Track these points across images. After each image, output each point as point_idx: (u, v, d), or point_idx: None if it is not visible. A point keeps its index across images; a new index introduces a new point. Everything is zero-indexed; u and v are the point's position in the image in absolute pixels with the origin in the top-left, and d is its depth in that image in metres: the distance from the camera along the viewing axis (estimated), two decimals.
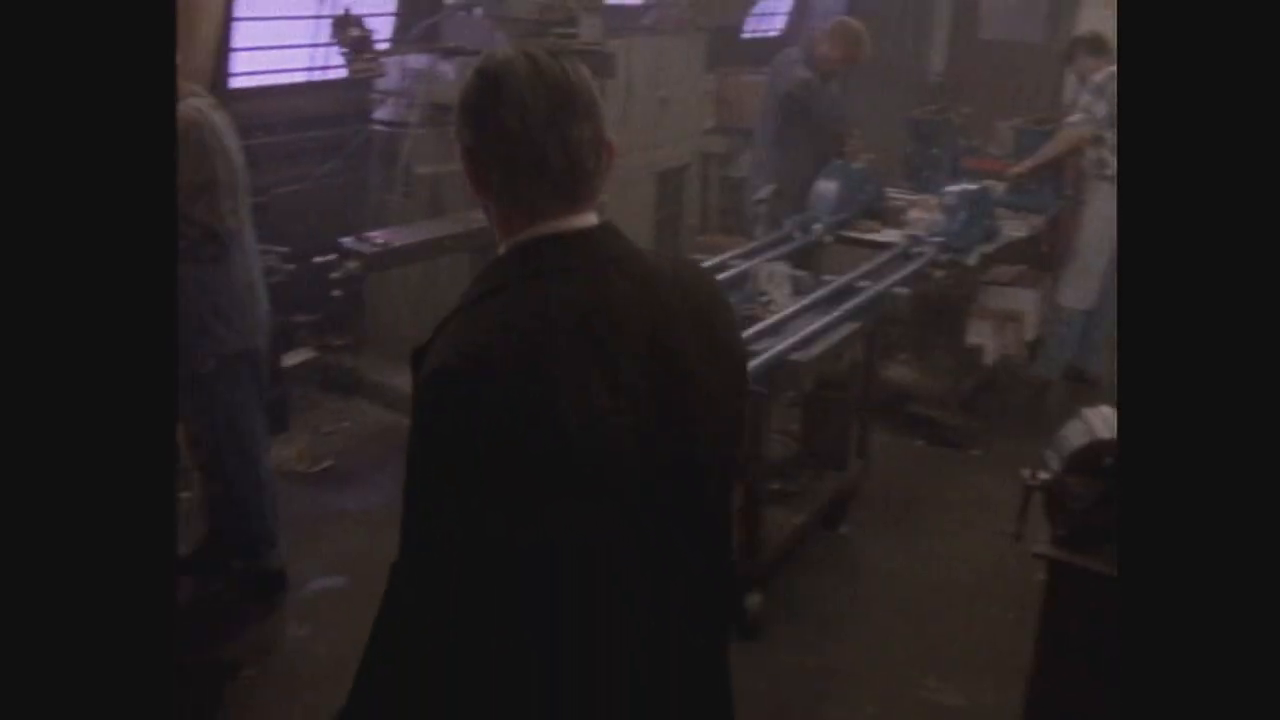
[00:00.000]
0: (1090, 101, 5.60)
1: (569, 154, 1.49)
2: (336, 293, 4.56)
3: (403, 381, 5.61)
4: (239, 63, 5.46)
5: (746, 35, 9.65)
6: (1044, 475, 2.56)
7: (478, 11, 5.15)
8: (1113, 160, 5.54)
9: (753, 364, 3.32)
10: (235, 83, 5.46)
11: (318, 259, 4.47)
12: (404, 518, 1.56)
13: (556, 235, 1.54)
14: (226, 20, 5.18)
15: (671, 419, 1.53)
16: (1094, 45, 5.82)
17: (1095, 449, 2.48)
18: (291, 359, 5.35)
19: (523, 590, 1.47)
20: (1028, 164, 5.83)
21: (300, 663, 3.61)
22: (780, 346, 3.48)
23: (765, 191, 5.38)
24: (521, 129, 1.46)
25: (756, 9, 9.69)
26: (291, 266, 4.22)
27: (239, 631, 3.73)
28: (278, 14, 5.64)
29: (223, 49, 5.18)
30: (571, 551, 1.47)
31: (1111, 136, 5.51)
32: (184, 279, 3.40)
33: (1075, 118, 5.67)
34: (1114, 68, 5.53)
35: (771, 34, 10.25)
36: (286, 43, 5.74)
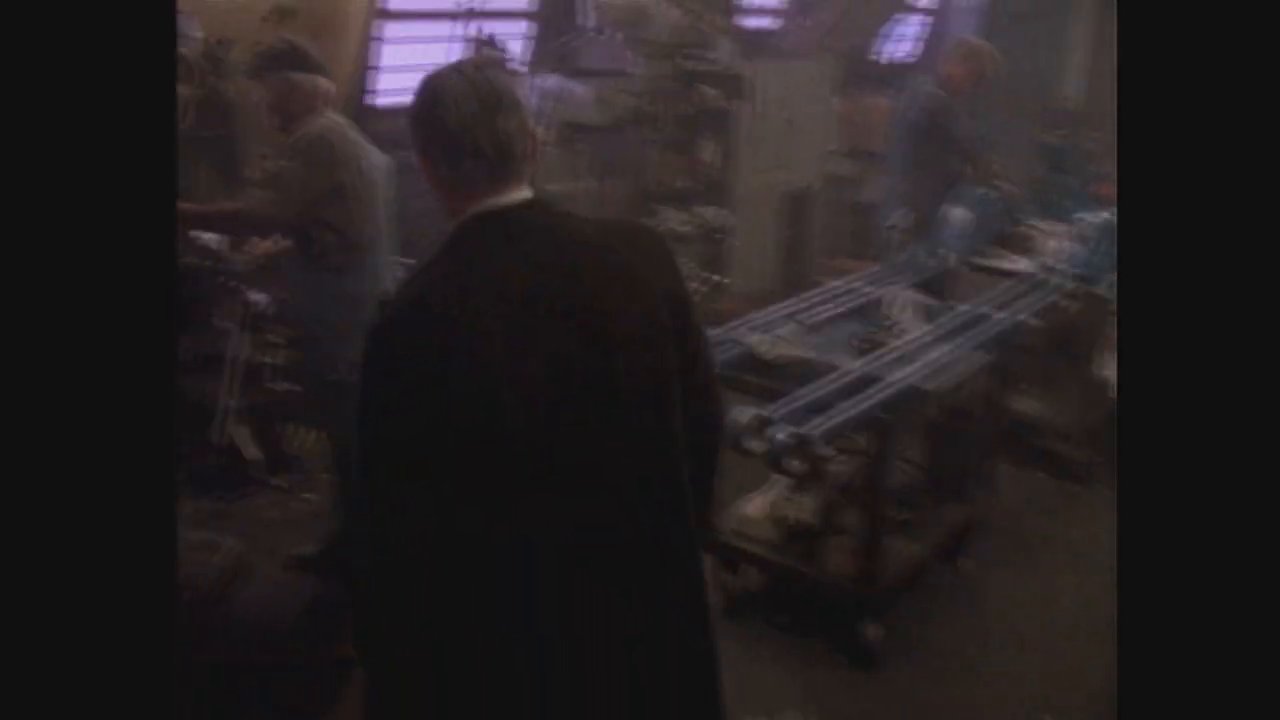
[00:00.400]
0: None
1: (498, 142, 1.76)
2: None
3: None
4: (381, 81, 5.64)
5: (876, 58, 9.59)
6: None
7: (612, 34, 5.22)
8: None
9: (882, 392, 3.31)
10: (377, 101, 5.64)
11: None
12: (356, 520, 1.74)
13: (491, 211, 1.79)
14: (368, 41, 5.36)
15: (594, 374, 1.75)
16: None
17: None
18: None
19: (467, 576, 1.69)
20: None
21: None
22: (908, 374, 3.45)
23: (898, 217, 5.34)
24: (457, 124, 1.74)
25: (887, 32, 9.64)
26: None
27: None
28: (417, 36, 5.82)
29: (364, 68, 5.35)
30: (512, 533, 1.69)
31: None
32: (321, 286, 3.55)
33: None
34: None
35: (901, 57, 10.18)
36: (425, 63, 5.91)
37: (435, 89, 1.79)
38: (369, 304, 3.67)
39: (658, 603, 1.86)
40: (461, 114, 1.74)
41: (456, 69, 1.82)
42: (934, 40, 10.02)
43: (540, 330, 1.70)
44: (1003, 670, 3.75)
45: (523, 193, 1.83)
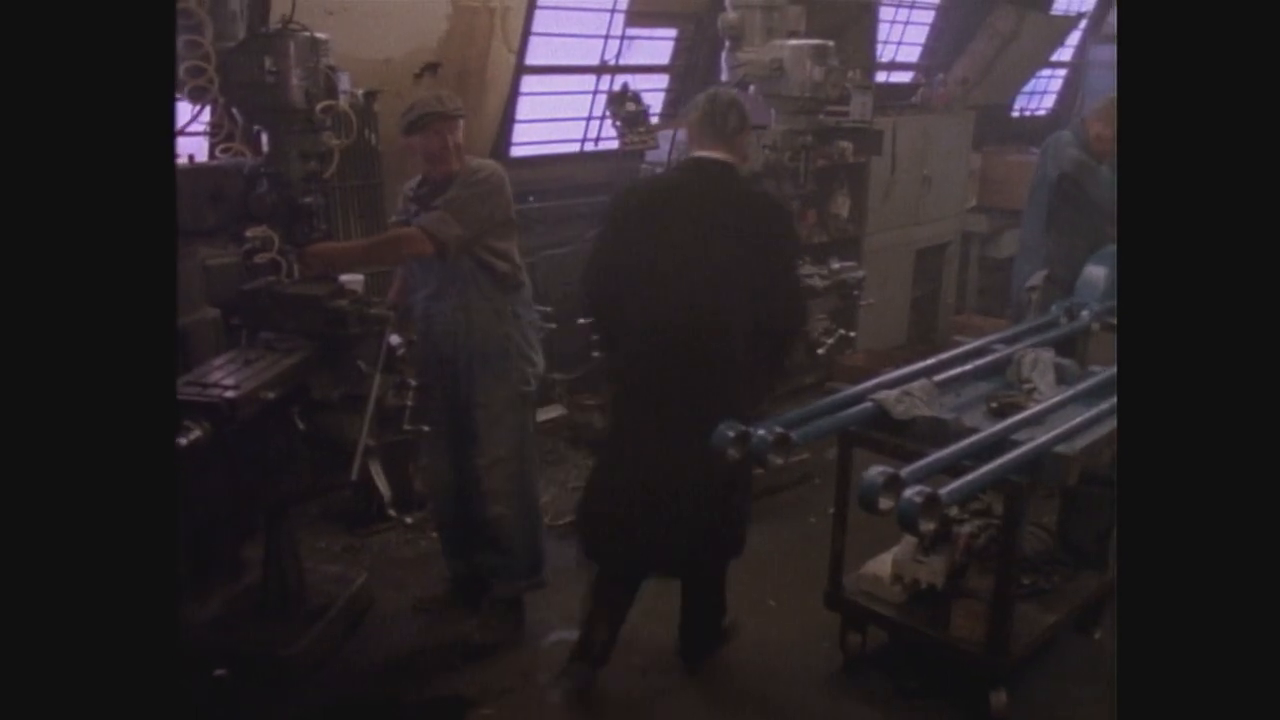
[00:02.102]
0: None
1: (721, 123, 3.54)
2: (595, 354, 4.73)
3: None
4: (520, 133, 5.80)
5: (1015, 114, 9.47)
6: None
7: (751, 88, 5.27)
8: None
9: (1014, 453, 3.25)
10: (517, 151, 5.80)
11: (579, 320, 4.65)
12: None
13: (694, 157, 3.59)
14: (513, 95, 5.51)
15: (689, 245, 3.47)
16: None
17: None
18: (545, 414, 5.57)
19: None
20: None
21: (534, 709, 3.73)
22: (1043, 438, 3.37)
23: (1037, 278, 5.26)
24: (709, 107, 3.59)
25: (1027, 88, 9.51)
26: (553, 325, 4.42)
27: (480, 671, 3.88)
28: (560, 89, 5.97)
29: (507, 120, 5.51)
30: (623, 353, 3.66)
31: None
32: (504, 307, 3.88)
33: None
34: None
35: (1041, 113, 10.02)
36: (565, 115, 6.06)
37: (730, 97, 3.69)
38: (538, 330, 4.07)
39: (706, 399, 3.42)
40: (715, 105, 3.57)
41: (726, 87, 4.07)
42: (1072, 95, 9.86)
43: (671, 212, 3.52)
44: None
45: (720, 154, 3.54)
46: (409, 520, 4.85)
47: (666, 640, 4.03)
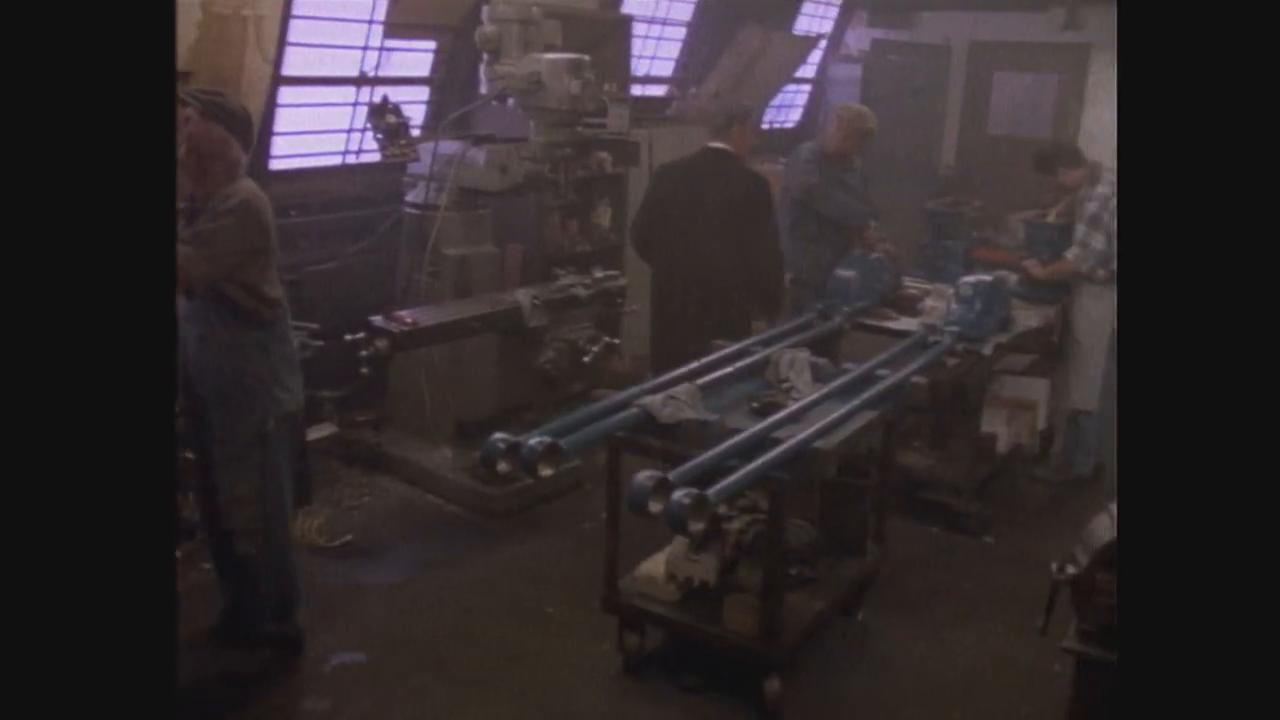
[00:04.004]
0: (1086, 234, 5.67)
1: (725, 122, 5.42)
2: (364, 370, 4.66)
3: (425, 458, 5.69)
4: (280, 146, 5.64)
5: (765, 126, 9.86)
6: (1071, 570, 2.58)
7: (510, 102, 5.31)
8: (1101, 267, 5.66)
9: (776, 451, 3.40)
10: (276, 164, 5.64)
11: (347, 336, 4.57)
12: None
13: (707, 146, 5.39)
14: (271, 106, 5.36)
15: (709, 209, 5.21)
16: (1071, 157, 5.90)
17: None
18: (316, 433, 5.43)
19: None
20: (1036, 271, 5.91)
21: None
22: (802, 434, 3.54)
23: (789, 283, 5.51)
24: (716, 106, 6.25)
25: (775, 102, 9.92)
26: (320, 343, 4.33)
27: (257, 702, 3.76)
28: (318, 100, 5.84)
29: (265, 132, 5.35)
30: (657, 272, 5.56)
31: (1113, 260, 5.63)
32: (247, 342, 3.57)
33: (1072, 251, 5.73)
34: (1103, 189, 5.63)
35: (789, 126, 10.47)
36: (324, 128, 5.93)
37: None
38: (290, 358, 3.80)
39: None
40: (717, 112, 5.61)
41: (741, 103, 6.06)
42: (815, 109, 10.37)
43: (696, 184, 5.27)
44: None
45: (720, 144, 5.33)
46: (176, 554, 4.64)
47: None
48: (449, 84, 6.52)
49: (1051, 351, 6.02)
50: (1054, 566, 2.63)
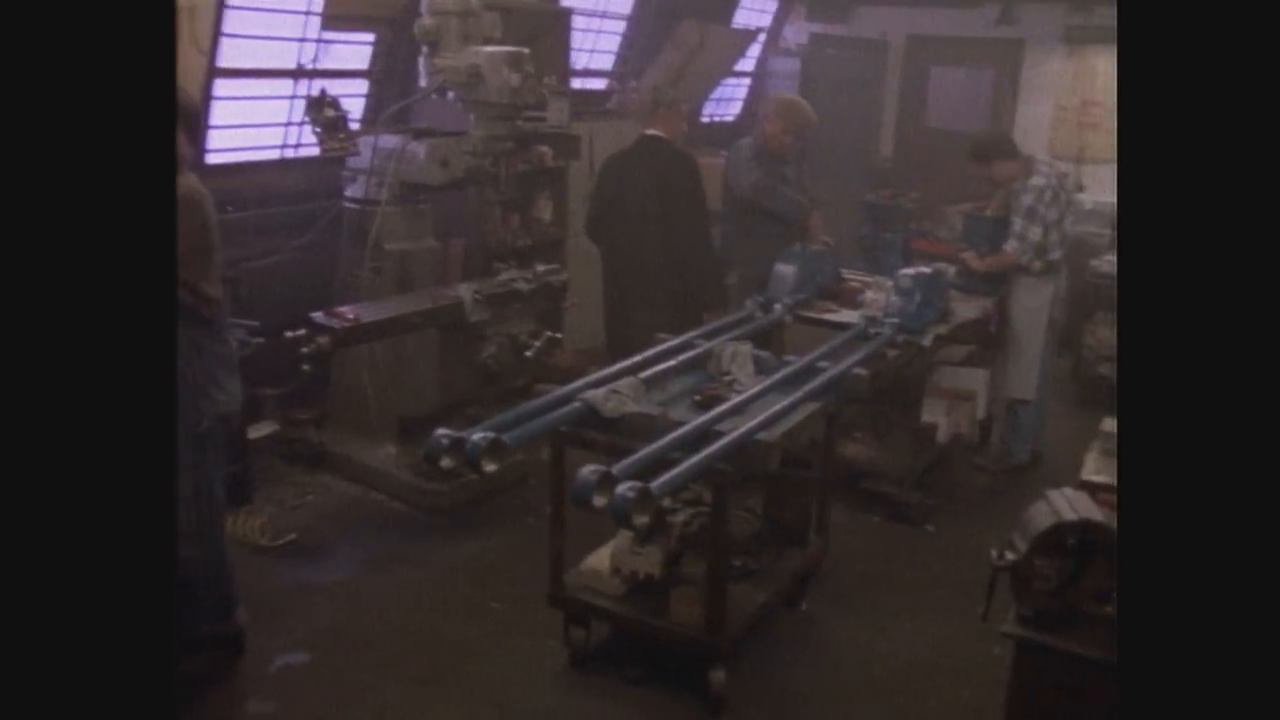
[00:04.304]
0: (1023, 226, 5.75)
1: (652, 110, 5.82)
2: (305, 367, 4.62)
3: (368, 455, 5.63)
4: (216, 139, 5.57)
5: (705, 119, 9.89)
6: (1010, 556, 2.62)
7: (450, 95, 5.28)
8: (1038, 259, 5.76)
9: (719, 443, 3.43)
10: (213, 158, 5.56)
11: (287, 333, 4.52)
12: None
13: (643, 134, 5.73)
14: (207, 99, 5.29)
15: (653, 194, 5.56)
16: (1007, 150, 5.97)
17: (1060, 530, 2.56)
18: (257, 432, 5.38)
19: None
20: (974, 264, 5.99)
21: None
22: (745, 427, 3.57)
23: (733, 278, 5.55)
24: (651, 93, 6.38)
25: (714, 95, 9.95)
26: (260, 340, 4.28)
27: (198, 706, 3.71)
28: (255, 94, 5.76)
29: (200, 125, 5.27)
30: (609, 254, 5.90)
31: (1050, 251, 5.74)
32: (182, 341, 3.51)
33: (1010, 244, 5.80)
34: (1038, 181, 5.73)
35: (729, 119, 10.52)
36: (262, 121, 5.86)
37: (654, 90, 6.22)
38: (227, 358, 3.74)
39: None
40: (655, 99, 5.86)
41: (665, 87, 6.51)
42: (754, 102, 10.43)
43: (633, 170, 5.64)
44: (847, 708, 3.88)
45: (656, 130, 5.67)
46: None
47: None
48: (388, 77, 6.47)
49: (989, 342, 6.11)
50: (993, 553, 2.67)
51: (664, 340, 4.47)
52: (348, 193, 5.55)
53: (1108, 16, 9.43)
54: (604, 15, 8.39)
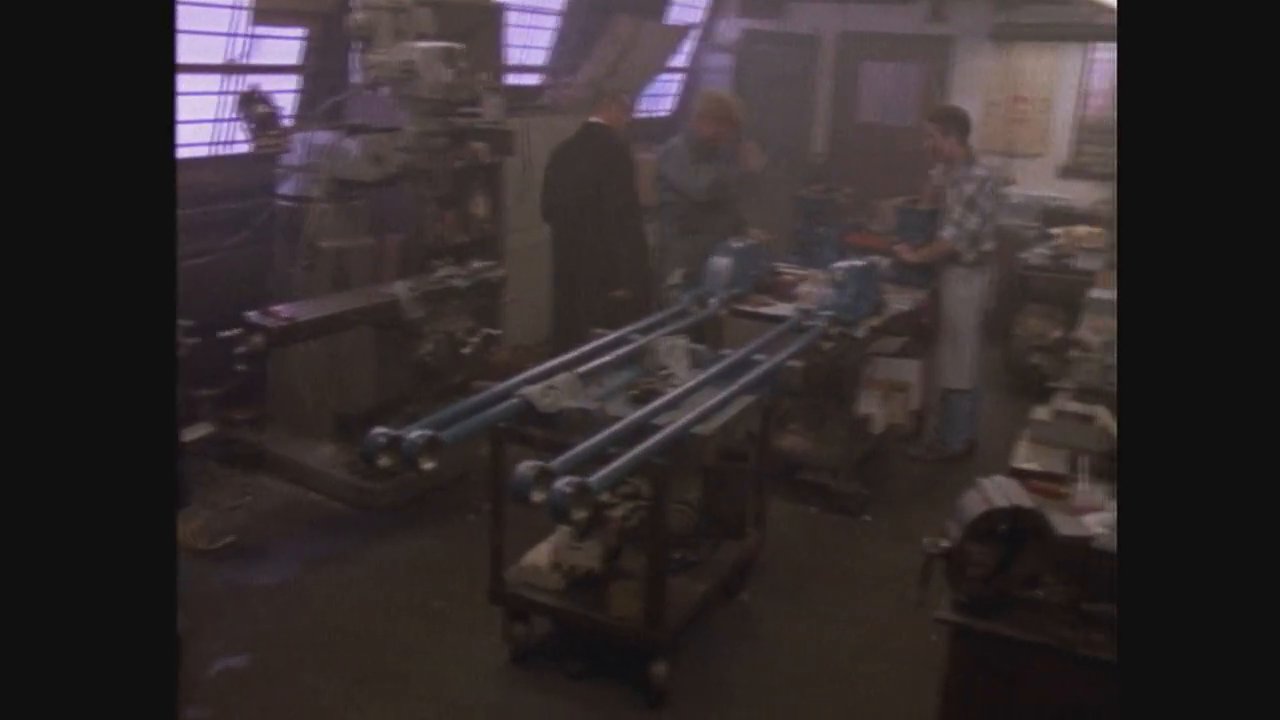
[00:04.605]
0: (962, 215, 5.85)
1: (597, 98, 6.63)
2: (240, 367, 4.58)
3: (306, 455, 5.59)
4: None
5: (640, 115, 9.91)
6: (945, 543, 2.67)
7: (383, 91, 5.25)
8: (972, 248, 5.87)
9: (656, 437, 3.45)
10: None
11: (222, 333, 4.48)
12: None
13: (587, 121, 6.26)
14: None
15: (591, 181, 6.07)
16: (966, 128, 6.06)
17: (992, 517, 2.62)
18: (192, 433, 5.31)
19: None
20: (909, 255, 6.07)
21: None
22: (682, 420, 3.60)
23: (677, 276, 5.58)
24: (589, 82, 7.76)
25: (649, 91, 9.98)
26: (195, 340, 4.23)
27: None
28: (185, 89, 5.68)
29: None
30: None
31: (983, 241, 5.85)
32: None
33: (948, 231, 5.90)
34: (980, 172, 5.84)
35: (663, 114, 10.55)
36: (192, 117, 5.78)
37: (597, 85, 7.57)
38: None
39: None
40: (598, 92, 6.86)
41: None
42: (688, 98, 10.48)
43: (574, 156, 6.19)
44: (788, 697, 3.93)
45: (599, 118, 6.19)
46: None
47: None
48: (320, 72, 6.42)
49: (923, 333, 6.21)
50: (927, 541, 2.71)
51: (600, 335, 4.49)
52: (281, 190, 5.50)
53: (1035, 14, 9.63)
54: (537, 11, 8.38)
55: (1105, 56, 9.47)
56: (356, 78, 5.38)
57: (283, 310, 4.73)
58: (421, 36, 5.16)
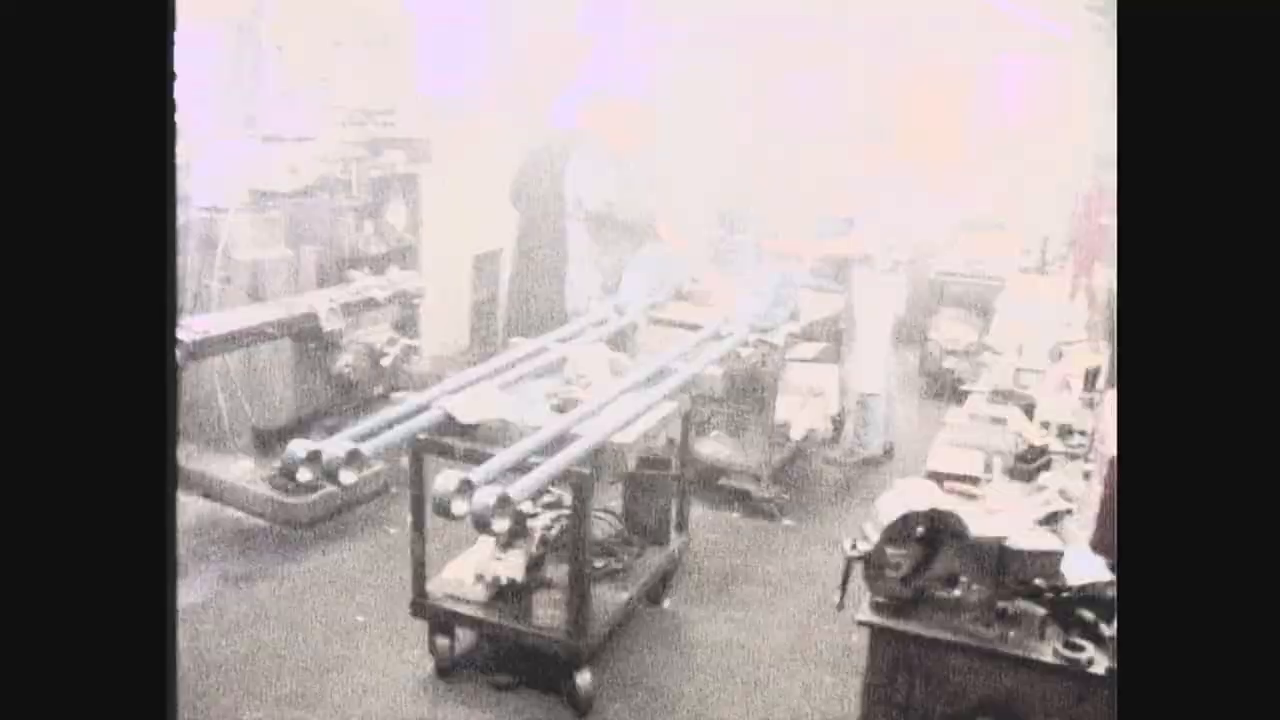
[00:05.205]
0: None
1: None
2: None
3: (223, 470, 5.50)
4: None
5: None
6: (863, 546, 2.71)
7: (299, 99, 5.20)
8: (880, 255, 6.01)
9: (577, 446, 3.47)
10: None
11: None
12: None
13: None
14: None
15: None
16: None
17: (909, 520, 2.66)
18: None
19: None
20: (817, 249, 6.18)
21: None
22: (603, 429, 3.62)
23: (593, 287, 5.60)
24: None
25: (561, 99, 9.98)
26: None
27: None
28: None
29: None
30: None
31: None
32: None
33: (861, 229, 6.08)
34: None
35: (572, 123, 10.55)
36: None
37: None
38: None
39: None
40: None
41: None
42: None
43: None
44: (714, 702, 3.96)
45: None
46: None
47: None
48: (233, 80, 6.32)
49: (839, 339, 6.30)
50: (847, 544, 2.75)
51: (518, 345, 4.50)
52: (195, 200, 5.41)
53: None
54: (453, 20, 8.35)
55: (1015, 63, 9.69)
56: (271, 85, 5.32)
57: (198, 323, 4.66)
58: (338, 44, 5.12)
